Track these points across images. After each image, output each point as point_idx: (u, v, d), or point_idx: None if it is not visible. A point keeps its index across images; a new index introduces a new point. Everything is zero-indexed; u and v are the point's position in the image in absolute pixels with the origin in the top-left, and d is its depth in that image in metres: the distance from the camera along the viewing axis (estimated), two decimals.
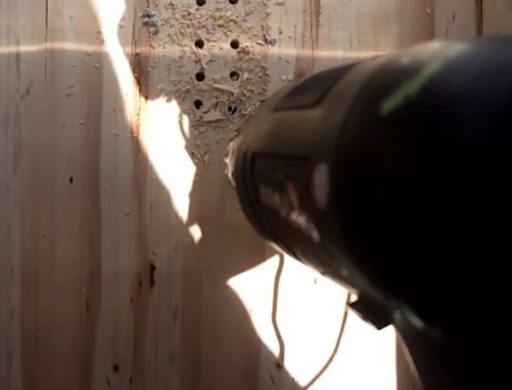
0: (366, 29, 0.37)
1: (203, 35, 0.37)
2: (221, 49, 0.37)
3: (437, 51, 0.13)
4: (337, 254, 0.16)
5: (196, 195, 0.37)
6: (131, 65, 0.36)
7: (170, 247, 0.37)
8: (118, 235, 0.37)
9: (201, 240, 0.37)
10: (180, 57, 0.37)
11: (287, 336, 0.38)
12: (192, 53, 0.37)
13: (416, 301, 0.12)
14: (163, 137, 0.37)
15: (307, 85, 0.23)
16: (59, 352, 0.37)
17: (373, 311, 0.16)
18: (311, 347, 0.39)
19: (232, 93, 0.37)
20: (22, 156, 0.36)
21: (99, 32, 0.36)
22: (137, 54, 0.36)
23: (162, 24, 0.36)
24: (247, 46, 0.37)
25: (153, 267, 0.37)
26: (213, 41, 0.37)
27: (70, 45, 0.35)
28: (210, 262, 0.37)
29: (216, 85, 0.37)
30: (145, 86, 0.36)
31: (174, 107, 0.37)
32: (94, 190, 0.36)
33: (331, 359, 0.38)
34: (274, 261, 0.38)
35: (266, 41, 0.37)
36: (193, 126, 0.37)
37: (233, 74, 0.37)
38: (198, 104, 0.37)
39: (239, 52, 0.37)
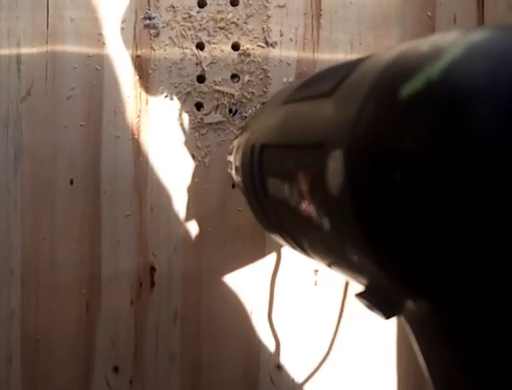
0: (367, 32, 0.38)
1: (204, 37, 0.37)
2: (222, 51, 0.37)
3: (458, 37, 0.13)
4: (349, 242, 0.16)
5: (196, 197, 0.37)
6: (132, 67, 0.36)
7: (170, 249, 0.37)
8: (118, 236, 0.37)
9: (201, 242, 0.37)
10: (181, 59, 0.37)
11: (284, 335, 0.39)
12: (193, 55, 0.37)
13: (432, 288, 0.12)
14: (164, 139, 0.37)
15: (318, 78, 0.23)
16: (59, 353, 0.37)
17: (381, 300, 0.16)
18: (308, 345, 0.39)
19: (233, 95, 0.37)
20: (22, 158, 0.36)
21: (100, 34, 0.36)
22: (138, 56, 0.36)
23: (163, 27, 0.36)
24: (248, 49, 0.37)
25: (153, 269, 0.37)
26: (214, 43, 0.37)
27: (71, 47, 0.36)
28: (211, 263, 0.38)
29: (217, 87, 0.37)
30: (146, 88, 0.37)
31: (175, 109, 0.37)
32: (95, 192, 0.36)
33: (327, 354, 0.38)
34: (274, 262, 0.38)
35: (267, 43, 0.37)
36: (193, 128, 0.37)
37: (234, 76, 0.37)
38: (199, 106, 0.37)
39: (240, 54, 0.37)
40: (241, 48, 0.37)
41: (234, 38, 0.37)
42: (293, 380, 0.39)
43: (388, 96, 0.14)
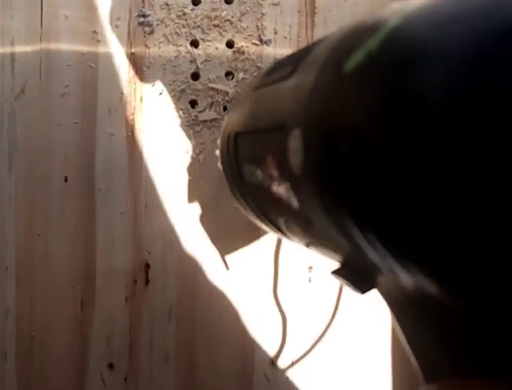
0: None
1: (198, 35, 0.37)
2: (216, 48, 0.37)
3: (397, 9, 0.13)
4: (316, 218, 0.16)
5: (191, 194, 0.38)
6: (126, 65, 0.37)
7: (165, 246, 0.37)
8: (113, 234, 0.37)
9: (196, 239, 0.38)
10: (176, 57, 0.37)
11: (279, 330, 0.39)
12: (187, 52, 0.37)
13: (395, 250, 0.13)
14: (158, 137, 0.37)
15: (283, 62, 0.23)
16: (54, 350, 0.37)
17: (356, 276, 0.17)
18: (301, 339, 0.39)
19: (227, 93, 0.37)
20: (17, 155, 0.36)
21: (94, 31, 0.36)
22: (133, 54, 0.37)
23: (158, 24, 0.37)
24: (242, 46, 0.37)
25: (148, 266, 0.37)
26: (208, 40, 0.37)
27: (65, 45, 0.36)
28: (206, 260, 0.38)
29: (211, 85, 0.37)
30: (141, 86, 0.37)
31: (169, 107, 0.37)
32: (89, 189, 0.37)
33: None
34: (269, 260, 0.39)
35: (261, 41, 0.38)
36: (188, 125, 0.37)
37: (228, 73, 0.38)
38: (193, 103, 0.37)
39: (234, 52, 0.37)
40: (236, 45, 0.37)
41: (228, 36, 0.37)
42: (287, 377, 0.39)
43: (335, 72, 0.14)
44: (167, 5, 0.37)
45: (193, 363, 0.38)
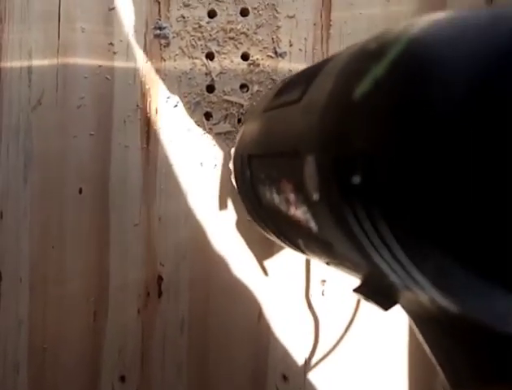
0: None
1: (214, 47, 0.37)
2: (231, 61, 0.38)
3: (401, 32, 0.13)
4: (336, 241, 0.16)
5: (205, 206, 0.38)
6: (142, 77, 0.37)
7: (178, 259, 0.38)
8: (126, 245, 0.37)
9: (209, 251, 0.38)
10: (191, 69, 0.37)
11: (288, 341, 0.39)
12: (202, 65, 0.37)
13: (415, 272, 0.13)
14: (173, 149, 0.38)
15: (291, 83, 0.24)
16: (66, 362, 0.37)
17: (377, 293, 0.17)
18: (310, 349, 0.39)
19: (242, 105, 0.38)
20: (32, 166, 0.36)
21: (111, 44, 0.36)
22: (148, 66, 0.37)
23: (174, 37, 0.37)
24: (257, 59, 0.38)
25: (160, 278, 0.38)
26: (223, 53, 0.38)
27: (81, 57, 0.36)
28: (219, 273, 0.38)
29: (226, 97, 0.38)
30: (156, 98, 0.37)
31: (184, 119, 0.37)
32: (103, 201, 0.37)
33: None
34: (281, 270, 0.39)
35: (276, 53, 0.38)
36: (202, 138, 0.38)
37: (243, 86, 0.38)
38: (208, 116, 0.38)
39: (249, 64, 0.38)
40: (251, 58, 0.38)
41: (244, 48, 0.38)
42: (300, 389, 0.39)
43: (343, 100, 0.14)
44: (183, 17, 0.37)
45: (205, 375, 0.38)
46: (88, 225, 0.37)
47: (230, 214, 0.38)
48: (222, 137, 0.38)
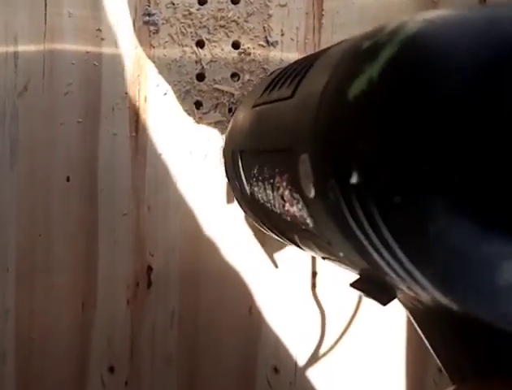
0: None
1: (204, 35, 0.37)
2: (222, 49, 0.37)
3: (394, 32, 0.14)
4: (333, 237, 0.17)
5: (195, 195, 0.38)
6: (130, 64, 0.37)
7: (168, 248, 0.38)
8: (115, 235, 0.37)
9: (199, 241, 0.38)
10: (181, 57, 0.37)
11: (284, 334, 0.39)
12: (192, 53, 0.37)
13: (415, 272, 0.13)
14: (162, 137, 0.37)
15: (281, 78, 0.24)
16: (54, 352, 0.37)
17: (375, 288, 0.17)
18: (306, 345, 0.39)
19: (233, 95, 0.38)
20: (19, 154, 0.36)
21: (99, 30, 0.36)
22: (137, 54, 0.37)
23: (163, 24, 0.37)
24: (248, 48, 0.38)
25: (150, 269, 0.38)
26: (214, 41, 0.37)
27: (69, 43, 0.36)
28: (208, 263, 0.38)
29: (217, 86, 0.38)
30: (145, 86, 0.37)
31: (173, 107, 0.37)
32: (91, 190, 0.37)
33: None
34: (272, 260, 0.39)
35: (267, 42, 0.38)
36: (192, 127, 0.38)
37: (234, 75, 0.38)
38: (198, 105, 0.38)
39: (240, 53, 0.38)
40: (242, 47, 0.38)
41: (234, 36, 0.38)
42: (290, 383, 0.39)
43: (338, 100, 0.15)
44: (173, 4, 0.37)
45: (194, 367, 0.38)
46: (76, 214, 0.37)
47: (220, 204, 0.38)
48: (212, 127, 0.38)
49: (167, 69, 0.37)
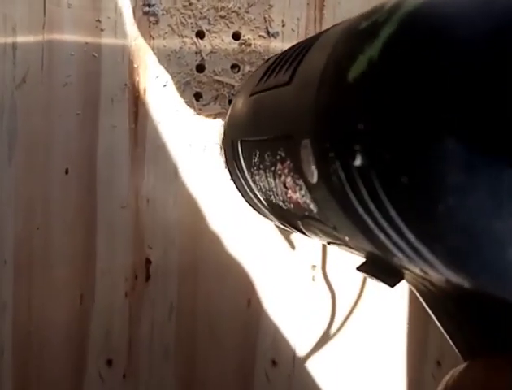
0: None
1: (204, 26, 0.37)
2: (222, 40, 0.37)
3: (392, 9, 0.14)
4: (338, 222, 0.17)
5: (194, 188, 0.38)
6: (130, 55, 0.37)
7: (166, 241, 0.38)
8: (114, 228, 0.37)
9: (198, 234, 0.38)
10: (181, 48, 0.37)
11: (283, 326, 0.39)
12: (192, 44, 0.37)
13: (426, 253, 0.13)
14: (162, 129, 0.37)
15: (278, 64, 0.24)
16: (52, 345, 0.37)
17: (382, 270, 0.17)
18: (306, 335, 0.39)
19: (233, 86, 0.38)
20: (17, 146, 0.36)
21: (98, 20, 0.36)
22: (137, 44, 0.37)
23: (163, 14, 0.37)
24: (249, 38, 0.37)
25: (148, 261, 0.38)
26: (214, 32, 0.37)
27: (68, 34, 0.36)
28: (207, 256, 0.38)
29: (217, 77, 0.37)
30: (144, 77, 0.37)
31: (173, 99, 0.37)
32: (90, 182, 0.37)
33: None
34: (272, 255, 0.39)
35: (268, 33, 0.38)
36: (192, 118, 0.38)
37: (234, 66, 0.38)
38: (198, 96, 0.38)
39: (240, 44, 0.38)
40: (242, 38, 0.37)
41: (235, 27, 0.37)
42: (288, 375, 0.39)
43: (337, 82, 0.14)
44: None
45: (192, 360, 0.38)
46: (75, 206, 0.37)
47: (219, 196, 0.38)
48: (212, 118, 0.38)
49: (166, 60, 0.37)
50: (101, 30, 0.36)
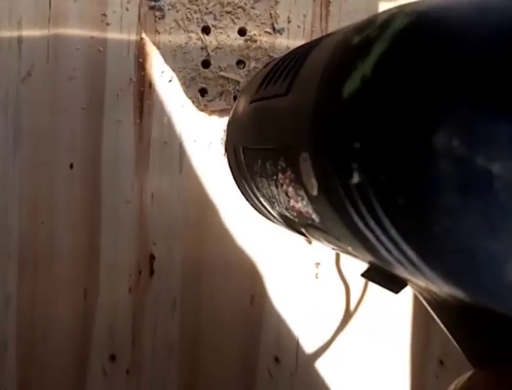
0: None
1: (210, 21, 0.37)
2: (228, 36, 0.38)
3: (383, 25, 0.14)
4: (340, 232, 0.17)
5: (198, 184, 0.38)
6: (135, 50, 0.37)
7: (170, 237, 0.38)
8: (118, 223, 0.37)
9: (202, 231, 0.38)
10: (186, 43, 0.37)
11: (286, 325, 0.39)
12: (198, 39, 0.37)
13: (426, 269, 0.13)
14: (167, 125, 0.38)
15: (276, 72, 0.24)
16: (55, 340, 0.37)
17: (386, 278, 0.17)
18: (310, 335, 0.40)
19: (238, 82, 0.38)
20: (22, 140, 0.36)
21: (104, 14, 0.36)
22: (142, 39, 0.37)
23: (169, 9, 0.37)
24: (255, 34, 0.38)
25: (153, 257, 0.38)
26: (220, 27, 0.37)
27: (73, 28, 0.36)
28: (211, 252, 0.38)
29: (222, 73, 0.38)
30: (150, 72, 0.37)
31: (178, 94, 0.37)
32: (95, 177, 0.37)
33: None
34: (276, 253, 0.39)
35: (274, 29, 0.38)
36: (197, 114, 0.38)
37: (240, 62, 0.38)
38: (203, 92, 0.38)
39: (246, 40, 0.38)
40: (248, 33, 0.38)
41: (241, 23, 0.38)
42: (291, 373, 0.40)
43: (333, 97, 0.15)
44: None
45: (196, 356, 0.39)
46: (79, 201, 0.37)
47: (223, 193, 0.38)
48: (217, 114, 0.38)
49: (172, 55, 0.37)
50: (107, 24, 0.36)
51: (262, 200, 0.26)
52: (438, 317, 0.17)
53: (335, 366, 0.40)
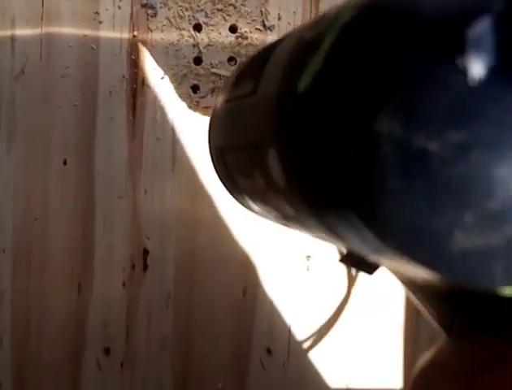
0: None
1: (202, 19, 0.38)
2: (219, 33, 0.38)
3: (333, 20, 0.14)
4: (313, 224, 0.18)
5: (191, 179, 0.39)
6: (128, 47, 0.38)
7: (164, 231, 0.39)
8: (111, 218, 0.38)
9: (195, 225, 0.39)
10: (178, 40, 0.38)
11: (277, 316, 0.40)
12: (190, 36, 0.38)
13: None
14: (159, 121, 0.38)
15: (245, 72, 0.25)
16: (50, 334, 0.38)
17: (361, 262, 0.18)
18: (301, 325, 0.41)
19: None
20: (15, 137, 0.37)
21: (96, 12, 0.37)
22: (135, 37, 0.38)
23: (161, 7, 0.38)
24: (246, 32, 0.39)
25: (146, 252, 0.39)
26: (211, 25, 0.38)
27: (66, 26, 0.37)
28: (205, 247, 0.39)
29: (214, 70, 0.39)
30: (142, 69, 0.38)
31: (170, 91, 0.38)
32: (88, 173, 0.38)
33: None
34: (268, 246, 0.40)
35: (264, 26, 0.39)
36: (189, 111, 0.39)
37: (231, 59, 0.39)
38: (195, 89, 0.39)
39: (237, 37, 0.39)
40: (239, 30, 0.39)
41: (232, 20, 0.38)
42: (283, 363, 0.41)
43: (290, 94, 0.16)
44: None
45: (189, 349, 0.40)
46: (73, 197, 0.38)
47: (216, 187, 0.39)
48: (209, 111, 0.39)
49: (164, 53, 0.38)
50: (100, 22, 0.37)
51: (244, 196, 0.27)
52: (413, 293, 0.18)
53: (327, 357, 0.41)
